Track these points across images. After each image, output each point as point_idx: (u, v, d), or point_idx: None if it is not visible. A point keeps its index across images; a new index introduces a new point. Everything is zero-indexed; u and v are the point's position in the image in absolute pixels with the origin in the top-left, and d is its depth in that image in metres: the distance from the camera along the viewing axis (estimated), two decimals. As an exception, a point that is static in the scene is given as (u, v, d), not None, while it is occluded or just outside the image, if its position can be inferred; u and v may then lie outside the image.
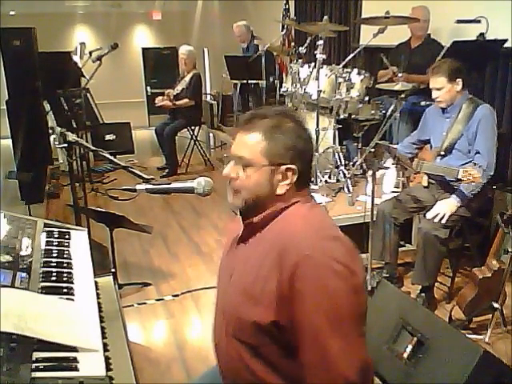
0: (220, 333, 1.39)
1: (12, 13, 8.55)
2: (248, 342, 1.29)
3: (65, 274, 1.56)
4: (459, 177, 2.62)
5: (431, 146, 3.18)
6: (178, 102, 5.79)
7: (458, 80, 2.90)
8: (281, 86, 4.71)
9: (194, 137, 6.13)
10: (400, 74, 3.85)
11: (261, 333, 1.26)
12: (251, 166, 1.30)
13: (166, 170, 5.90)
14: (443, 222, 2.81)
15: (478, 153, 2.86)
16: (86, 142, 5.37)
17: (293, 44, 6.51)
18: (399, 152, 3.25)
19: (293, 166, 1.30)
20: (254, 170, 1.30)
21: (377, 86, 4.16)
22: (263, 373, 1.28)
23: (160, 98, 5.93)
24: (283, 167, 1.30)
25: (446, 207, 2.83)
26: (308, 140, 1.35)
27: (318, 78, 3.84)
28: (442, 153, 3.02)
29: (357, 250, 1.32)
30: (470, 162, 2.84)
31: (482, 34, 3.54)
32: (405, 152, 3.21)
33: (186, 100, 5.80)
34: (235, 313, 1.32)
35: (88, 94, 6.17)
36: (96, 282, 1.60)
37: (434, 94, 2.96)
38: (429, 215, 2.86)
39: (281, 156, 1.30)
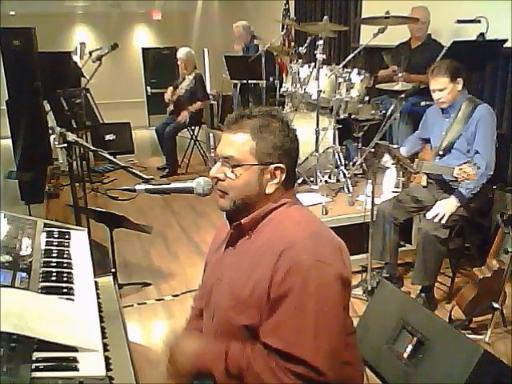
0: (209, 336, 1.39)
1: (12, 13, 8.56)
2: None
3: (65, 274, 1.56)
4: (455, 174, 2.62)
5: (431, 147, 3.18)
6: (192, 108, 5.78)
7: (458, 79, 2.90)
8: (281, 86, 4.71)
9: (194, 137, 6.14)
10: (400, 74, 3.85)
11: (251, 336, 1.26)
12: (240, 165, 1.30)
13: (166, 170, 5.90)
14: (443, 222, 2.81)
15: (478, 153, 2.86)
16: (86, 142, 5.38)
17: (293, 44, 6.51)
18: (406, 148, 3.25)
19: (281, 165, 1.31)
20: (243, 169, 1.30)
21: (377, 86, 4.16)
22: None
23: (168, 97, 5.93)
24: (272, 166, 1.31)
25: (445, 207, 2.83)
26: (294, 139, 1.36)
27: (318, 78, 3.84)
28: (441, 152, 3.02)
29: (344, 246, 1.34)
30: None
31: (482, 34, 3.54)
32: (411, 147, 3.22)
33: (199, 103, 5.83)
34: (225, 317, 1.31)
35: (88, 94, 6.16)
36: (96, 282, 1.60)
37: (437, 96, 2.94)
38: (429, 215, 2.86)
39: (269, 155, 1.31)
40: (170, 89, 5.93)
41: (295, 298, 1.18)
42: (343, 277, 1.25)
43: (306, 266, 1.19)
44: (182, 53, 5.89)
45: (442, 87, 2.90)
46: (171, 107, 5.98)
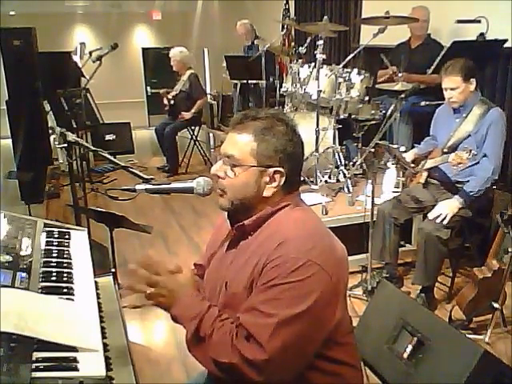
0: None
1: (12, 13, 8.55)
2: None
3: (65, 274, 1.55)
4: (450, 160, 2.62)
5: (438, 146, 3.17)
6: (194, 110, 5.78)
7: (471, 80, 2.86)
8: (281, 86, 4.71)
9: (194, 137, 6.14)
10: (400, 74, 3.85)
11: None
12: (239, 165, 1.30)
13: (167, 169, 5.90)
14: (445, 222, 2.80)
15: (485, 156, 2.84)
16: (86, 142, 5.38)
17: (293, 44, 6.52)
18: (418, 148, 3.24)
19: (281, 169, 1.31)
20: (241, 169, 1.31)
21: (377, 86, 4.17)
22: None
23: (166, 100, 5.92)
24: (271, 169, 1.30)
25: (448, 208, 2.83)
26: (298, 144, 1.34)
27: (318, 78, 3.84)
28: (446, 150, 3.01)
29: (346, 258, 1.33)
30: (477, 163, 2.83)
31: (482, 34, 3.54)
32: (425, 147, 3.22)
33: (198, 102, 5.81)
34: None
35: (88, 94, 6.17)
36: (96, 282, 1.60)
37: (448, 94, 2.90)
38: (431, 216, 2.85)
39: (270, 158, 1.30)
40: (164, 92, 5.92)
41: (274, 287, 1.19)
42: (333, 281, 1.23)
43: (295, 262, 1.19)
44: (174, 53, 5.83)
45: (454, 86, 2.86)
46: (168, 108, 5.97)
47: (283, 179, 1.32)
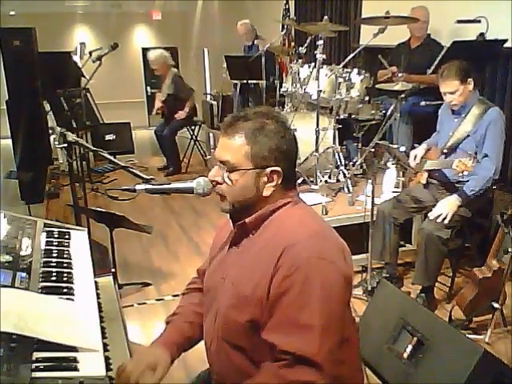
0: (211, 335, 1.39)
1: (12, 13, 8.56)
2: (239, 345, 1.30)
3: (65, 274, 1.56)
4: (453, 166, 2.61)
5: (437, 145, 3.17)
6: (182, 112, 5.79)
7: (469, 80, 2.85)
8: (281, 86, 4.71)
9: (194, 137, 6.14)
10: (400, 74, 3.85)
11: (254, 332, 1.26)
12: (236, 170, 1.29)
13: (170, 169, 5.89)
14: (446, 222, 2.80)
15: (486, 156, 2.84)
16: (86, 142, 5.38)
17: (293, 44, 6.51)
18: (425, 145, 3.24)
19: (278, 168, 1.30)
20: (239, 174, 1.30)
21: (377, 86, 4.16)
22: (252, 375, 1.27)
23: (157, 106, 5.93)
24: (268, 169, 1.30)
25: (447, 207, 2.82)
26: (291, 140, 1.33)
27: (318, 78, 3.84)
28: (445, 151, 3.01)
29: (346, 246, 1.34)
30: (477, 162, 2.83)
31: (482, 34, 3.54)
32: (431, 143, 3.20)
33: (188, 103, 5.80)
34: (228, 315, 1.32)
35: (88, 94, 6.17)
36: (96, 282, 1.60)
37: (448, 98, 2.89)
38: (431, 216, 2.85)
39: (265, 158, 1.29)
40: (158, 95, 5.92)
41: (298, 295, 1.19)
42: (346, 274, 1.25)
43: (308, 263, 1.19)
44: (151, 57, 5.75)
45: (453, 90, 2.85)
46: (158, 111, 5.98)
47: (281, 177, 1.31)
